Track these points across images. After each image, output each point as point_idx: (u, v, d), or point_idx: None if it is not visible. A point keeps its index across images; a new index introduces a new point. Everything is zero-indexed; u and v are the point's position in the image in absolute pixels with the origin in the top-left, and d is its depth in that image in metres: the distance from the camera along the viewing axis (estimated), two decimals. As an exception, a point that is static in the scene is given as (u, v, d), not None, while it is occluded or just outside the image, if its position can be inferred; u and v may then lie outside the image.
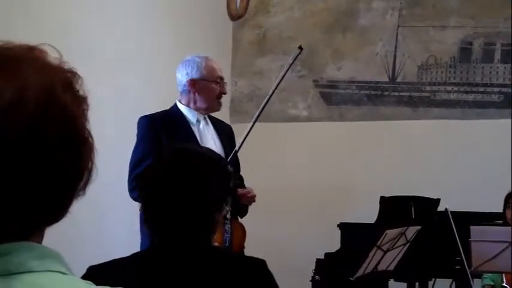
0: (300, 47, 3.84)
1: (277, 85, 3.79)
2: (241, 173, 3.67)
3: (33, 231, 0.80)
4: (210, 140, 3.59)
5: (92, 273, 1.57)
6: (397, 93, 5.91)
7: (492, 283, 4.55)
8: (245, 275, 1.61)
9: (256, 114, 3.70)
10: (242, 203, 3.60)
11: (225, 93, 3.68)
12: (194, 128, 3.57)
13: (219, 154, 1.82)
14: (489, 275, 4.51)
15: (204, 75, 3.58)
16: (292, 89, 6.02)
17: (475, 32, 5.80)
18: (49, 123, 0.77)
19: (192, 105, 3.59)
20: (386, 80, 5.94)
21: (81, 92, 0.82)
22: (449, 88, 5.83)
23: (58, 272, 0.79)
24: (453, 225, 3.97)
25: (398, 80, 5.92)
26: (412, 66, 5.90)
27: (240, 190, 3.56)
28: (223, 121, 3.83)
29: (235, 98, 6.14)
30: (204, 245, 1.64)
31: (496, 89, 5.73)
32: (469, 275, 3.91)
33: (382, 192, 4.49)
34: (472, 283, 4.18)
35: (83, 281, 0.80)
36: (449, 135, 5.63)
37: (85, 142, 0.82)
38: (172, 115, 3.57)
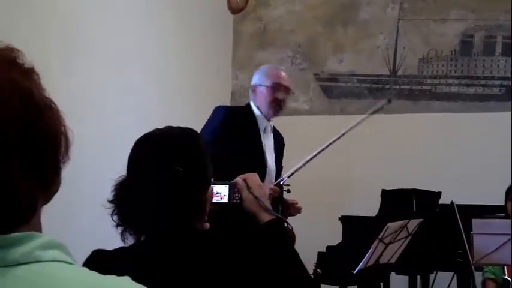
0: (390, 100, 4.06)
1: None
2: None
3: (33, 212, 0.80)
4: (270, 153, 3.65)
5: (95, 258, 1.60)
6: (398, 87, 5.91)
7: (493, 276, 4.55)
8: (233, 253, 1.58)
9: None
10: (289, 213, 3.67)
11: (280, 101, 3.60)
12: (262, 136, 3.60)
13: (188, 132, 1.72)
14: (490, 268, 4.51)
15: (262, 80, 3.62)
16: (292, 83, 6.00)
17: (476, 25, 5.79)
18: (6, 102, 0.77)
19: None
20: (387, 73, 5.93)
21: (26, 65, 0.82)
22: (450, 81, 5.83)
23: (64, 261, 0.79)
24: (458, 218, 3.97)
25: (399, 73, 5.92)
26: (413, 60, 5.89)
27: (290, 200, 3.66)
28: (279, 131, 3.84)
29: (235, 91, 6.14)
30: (188, 229, 1.60)
31: (497, 82, 5.73)
32: (472, 268, 3.91)
33: (383, 185, 4.49)
34: (474, 276, 4.18)
35: (88, 270, 0.80)
36: (450, 128, 5.63)
37: (48, 108, 0.82)
38: (249, 119, 3.57)
